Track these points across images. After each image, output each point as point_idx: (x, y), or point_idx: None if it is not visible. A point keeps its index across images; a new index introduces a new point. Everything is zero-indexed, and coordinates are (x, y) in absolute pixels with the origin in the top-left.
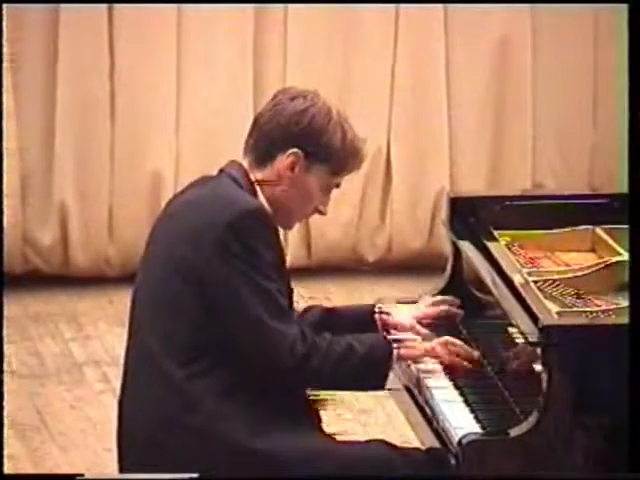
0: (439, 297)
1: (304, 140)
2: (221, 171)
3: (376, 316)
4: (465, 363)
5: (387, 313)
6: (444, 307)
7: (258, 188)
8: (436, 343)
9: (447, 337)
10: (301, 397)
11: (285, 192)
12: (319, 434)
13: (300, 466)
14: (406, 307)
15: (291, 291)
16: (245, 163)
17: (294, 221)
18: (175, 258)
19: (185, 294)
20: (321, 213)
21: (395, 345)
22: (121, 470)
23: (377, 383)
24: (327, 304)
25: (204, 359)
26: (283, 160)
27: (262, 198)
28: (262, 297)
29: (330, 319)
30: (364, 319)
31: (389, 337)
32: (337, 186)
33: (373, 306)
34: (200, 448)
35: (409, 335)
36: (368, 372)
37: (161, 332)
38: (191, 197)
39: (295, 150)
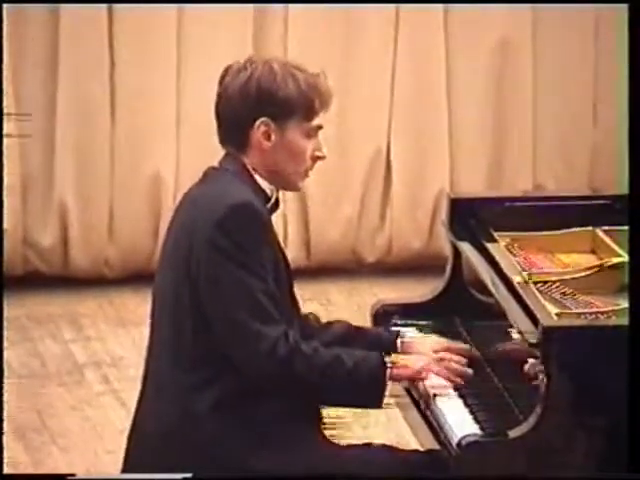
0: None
1: (263, 106)
2: (220, 165)
3: (398, 342)
4: (462, 371)
5: (409, 342)
6: (465, 347)
7: (254, 173)
8: (431, 360)
9: (443, 353)
10: (300, 404)
11: (276, 160)
12: (319, 440)
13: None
14: (429, 338)
15: (291, 286)
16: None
17: (300, 179)
18: (178, 254)
19: (184, 295)
20: (321, 158)
21: (388, 364)
22: (125, 467)
23: (369, 400)
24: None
25: (205, 368)
26: (256, 135)
27: (260, 180)
28: (247, 298)
29: (353, 336)
30: (386, 343)
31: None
32: (320, 127)
33: (398, 332)
34: (199, 462)
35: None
36: (357, 386)
37: (170, 335)
38: (195, 193)
39: (261, 119)
